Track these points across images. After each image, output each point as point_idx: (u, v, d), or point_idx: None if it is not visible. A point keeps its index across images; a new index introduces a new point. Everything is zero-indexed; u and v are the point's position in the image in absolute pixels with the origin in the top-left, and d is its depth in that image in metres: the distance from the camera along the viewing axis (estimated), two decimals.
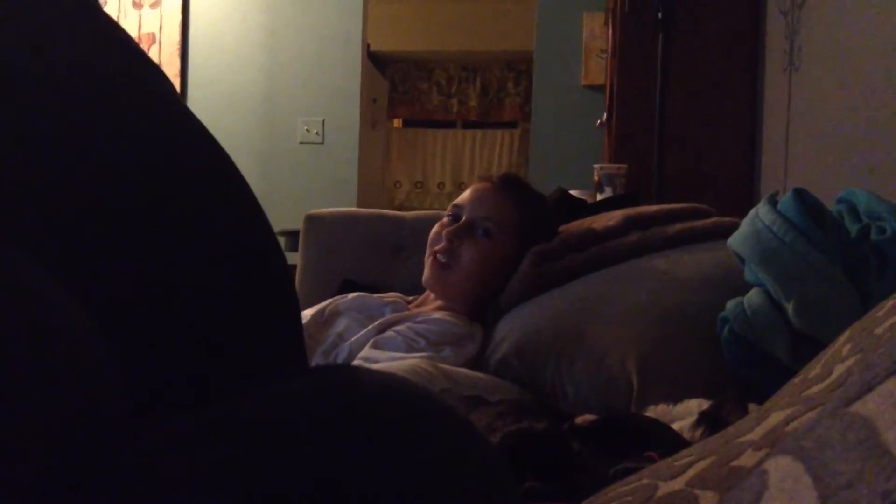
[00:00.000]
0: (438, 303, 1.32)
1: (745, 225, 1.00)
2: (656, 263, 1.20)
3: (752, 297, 0.97)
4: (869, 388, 0.22)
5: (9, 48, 0.39)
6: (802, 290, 0.90)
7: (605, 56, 3.37)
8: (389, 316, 1.23)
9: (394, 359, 1.09)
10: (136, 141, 0.41)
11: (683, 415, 0.81)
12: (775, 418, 0.38)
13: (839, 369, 0.39)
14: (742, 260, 1.02)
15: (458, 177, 6.54)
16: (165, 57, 3.84)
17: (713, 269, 1.14)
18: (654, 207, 1.40)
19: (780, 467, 0.22)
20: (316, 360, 1.19)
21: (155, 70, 0.45)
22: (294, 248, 1.82)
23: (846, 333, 0.44)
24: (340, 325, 1.24)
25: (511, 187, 1.34)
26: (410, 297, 1.39)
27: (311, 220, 1.74)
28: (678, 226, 1.29)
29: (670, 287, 1.12)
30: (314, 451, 0.34)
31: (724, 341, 0.99)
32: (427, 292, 1.36)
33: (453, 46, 6.11)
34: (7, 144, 0.38)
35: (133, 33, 3.80)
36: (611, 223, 1.31)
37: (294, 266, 1.71)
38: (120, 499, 0.32)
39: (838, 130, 1.64)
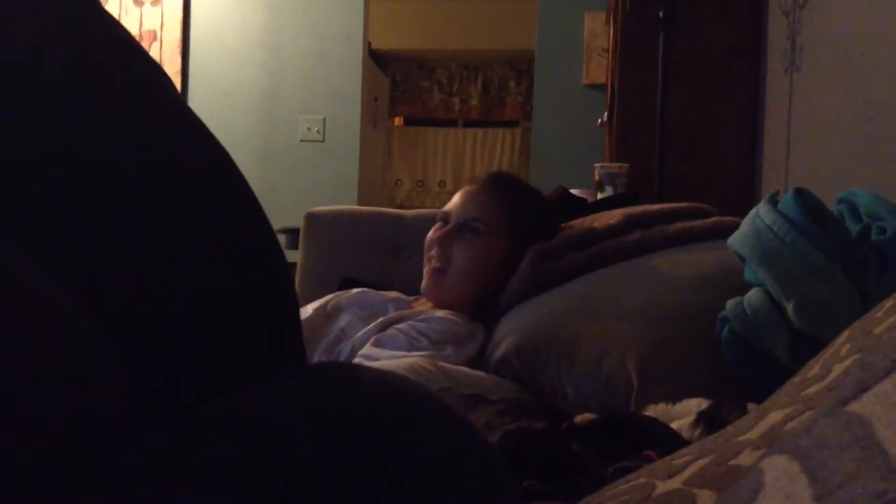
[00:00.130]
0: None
1: (746, 224, 1.00)
2: (656, 263, 1.20)
3: (752, 296, 0.97)
4: (866, 388, 0.22)
5: (9, 46, 0.39)
6: (802, 290, 0.90)
7: (606, 55, 3.36)
8: (392, 314, 1.23)
9: (395, 357, 1.09)
10: (136, 139, 0.41)
11: (682, 414, 0.81)
12: (774, 418, 0.38)
13: (838, 369, 0.39)
14: (742, 259, 1.02)
15: (460, 175, 6.54)
16: (166, 54, 3.84)
17: (713, 268, 1.14)
18: (655, 206, 1.40)
19: (777, 466, 0.22)
20: (318, 354, 1.19)
21: (155, 68, 0.45)
22: (294, 247, 1.82)
23: (845, 333, 0.44)
24: (343, 320, 1.24)
25: (498, 186, 1.33)
26: (412, 297, 1.39)
27: (312, 219, 1.74)
28: (679, 225, 1.29)
29: (670, 286, 1.12)
30: (314, 450, 0.34)
31: (723, 341, 0.99)
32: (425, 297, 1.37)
33: (455, 45, 6.11)
34: (7, 143, 0.38)
35: (134, 31, 3.80)
36: (612, 222, 1.31)
37: (294, 264, 1.71)
38: (120, 499, 0.32)
39: (839, 130, 1.64)
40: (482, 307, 1.30)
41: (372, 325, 1.20)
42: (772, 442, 0.35)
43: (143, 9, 3.88)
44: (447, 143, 6.60)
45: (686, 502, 0.34)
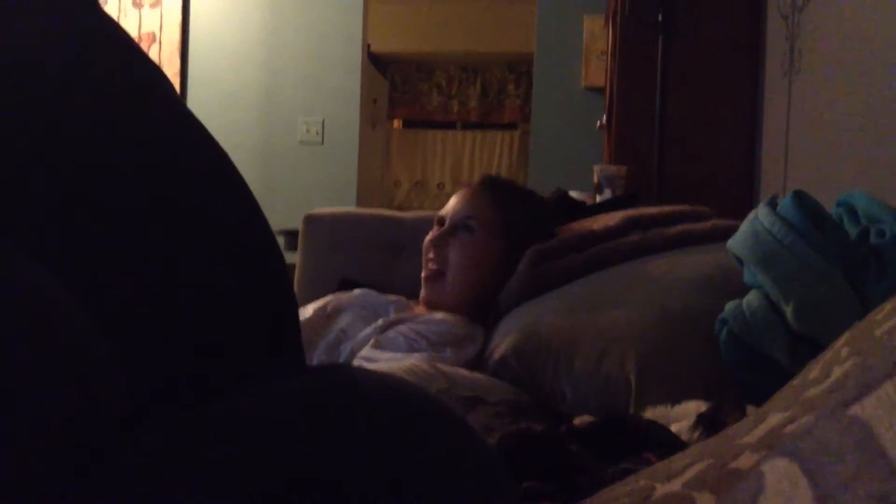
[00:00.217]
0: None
1: (745, 227, 1.00)
2: (656, 265, 1.20)
3: (751, 298, 0.97)
4: (866, 391, 0.22)
5: (8, 47, 0.39)
6: (801, 293, 0.90)
7: (605, 58, 3.37)
8: (392, 316, 1.23)
9: (394, 359, 1.10)
10: (135, 140, 0.41)
11: (681, 416, 0.81)
12: (774, 420, 0.38)
13: (837, 371, 0.39)
14: (741, 262, 1.02)
15: (458, 177, 6.54)
16: (165, 56, 3.84)
17: (712, 270, 1.14)
18: (654, 209, 1.40)
19: (777, 469, 0.22)
20: (318, 354, 1.20)
21: (154, 69, 0.45)
22: (293, 248, 1.81)
23: (845, 336, 0.44)
24: (344, 320, 1.24)
25: (492, 187, 1.36)
26: (411, 300, 1.39)
27: (311, 220, 1.74)
28: (678, 227, 1.29)
29: (669, 288, 1.12)
30: (314, 450, 0.34)
31: (722, 343, 0.99)
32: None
33: (454, 47, 6.11)
34: (7, 143, 0.38)
35: (133, 32, 3.80)
36: (610, 224, 1.31)
37: (293, 266, 1.71)
38: (120, 498, 0.32)
39: (838, 134, 1.64)
40: (481, 309, 1.30)
41: (372, 326, 1.20)
42: (771, 445, 0.35)
43: (142, 11, 3.88)
44: (446, 145, 6.61)
45: None
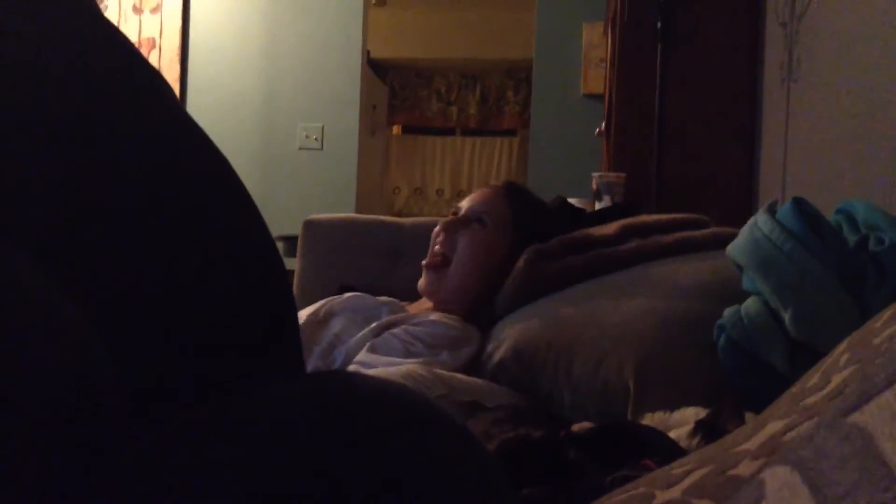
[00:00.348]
0: (431, 305, 1.33)
1: (744, 233, 1.00)
2: (654, 271, 1.20)
3: (750, 305, 0.97)
4: (867, 399, 0.22)
5: (9, 50, 0.40)
6: (800, 299, 0.90)
7: (603, 65, 3.38)
8: (385, 318, 1.23)
9: (391, 363, 1.09)
10: (135, 142, 0.41)
11: (680, 423, 0.81)
12: (773, 427, 0.38)
13: (837, 379, 0.39)
14: (740, 268, 1.02)
15: (457, 184, 6.55)
16: (165, 62, 3.85)
17: (711, 276, 1.14)
18: (653, 217, 1.40)
19: (778, 477, 0.22)
20: (313, 360, 1.19)
21: (154, 74, 0.45)
22: (292, 254, 1.81)
23: (844, 343, 0.44)
24: (337, 325, 1.24)
25: (510, 189, 1.42)
26: (404, 302, 1.39)
27: (310, 226, 1.74)
28: (677, 234, 1.29)
29: (668, 294, 1.12)
30: (314, 452, 0.34)
31: (720, 349, 0.99)
32: (421, 300, 1.37)
33: (453, 54, 6.13)
34: (7, 144, 0.38)
35: (133, 38, 3.81)
36: (609, 231, 1.32)
37: (292, 271, 1.71)
38: (120, 498, 0.32)
39: (837, 142, 1.64)
40: (477, 307, 1.30)
41: (366, 330, 1.20)
42: (771, 452, 0.35)
43: (141, 16, 3.89)
44: (445, 151, 6.61)
45: None
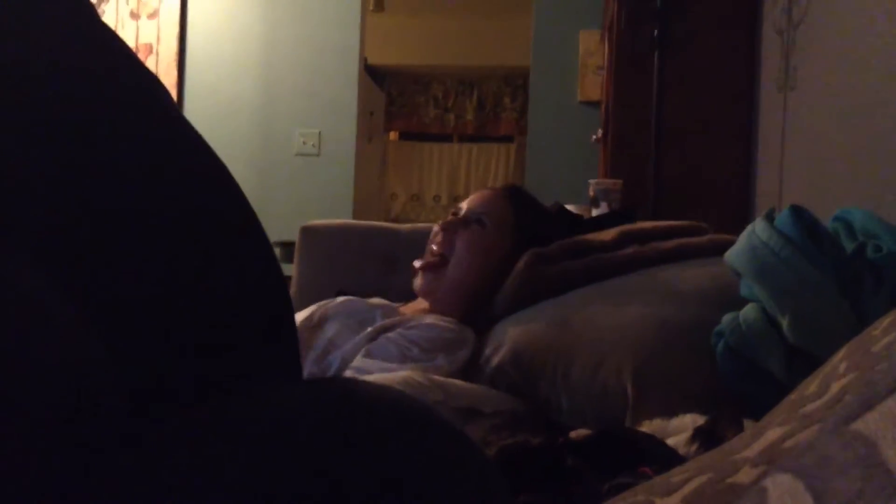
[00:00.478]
0: (427, 306, 1.32)
1: (742, 240, 1.00)
2: (653, 277, 1.21)
3: (748, 311, 0.97)
4: (869, 407, 0.22)
5: (5, 52, 0.39)
6: (797, 306, 0.91)
7: (601, 72, 3.38)
8: (380, 322, 1.22)
9: (387, 368, 1.09)
10: (132, 145, 0.41)
11: (679, 430, 0.81)
12: (772, 435, 0.38)
13: (836, 386, 0.39)
14: (738, 275, 1.02)
15: (454, 190, 6.55)
16: (163, 67, 3.85)
17: (709, 283, 1.14)
18: (651, 224, 1.41)
19: (780, 485, 0.22)
20: (308, 367, 1.18)
21: (151, 79, 0.45)
22: (289, 260, 1.81)
23: (843, 351, 0.44)
24: (331, 330, 1.23)
25: (512, 192, 1.41)
26: (397, 304, 1.39)
27: (307, 232, 1.74)
28: (675, 241, 1.29)
29: (667, 300, 1.13)
30: (314, 452, 0.34)
31: (718, 355, 0.99)
32: (416, 301, 1.37)
33: (450, 61, 6.14)
34: (5, 145, 0.38)
35: (130, 44, 3.81)
36: (608, 237, 1.32)
37: (289, 278, 1.70)
38: (120, 498, 0.32)
39: (833, 149, 1.65)
40: (472, 310, 1.30)
41: (361, 334, 1.19)
42: (770, 459, 0.35)
43: (139, 22, 3.89)
44: (442, 157, 6.62)
45: None
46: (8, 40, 0.40)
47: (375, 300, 1.35)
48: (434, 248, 1.35)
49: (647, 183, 2.27)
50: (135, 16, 3.89)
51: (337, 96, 3.84)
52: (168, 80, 3.81)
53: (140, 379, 0.37)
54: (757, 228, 0.97)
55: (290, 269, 1.72)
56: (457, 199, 6.35)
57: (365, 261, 1.67)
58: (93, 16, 0.45)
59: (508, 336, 1.18)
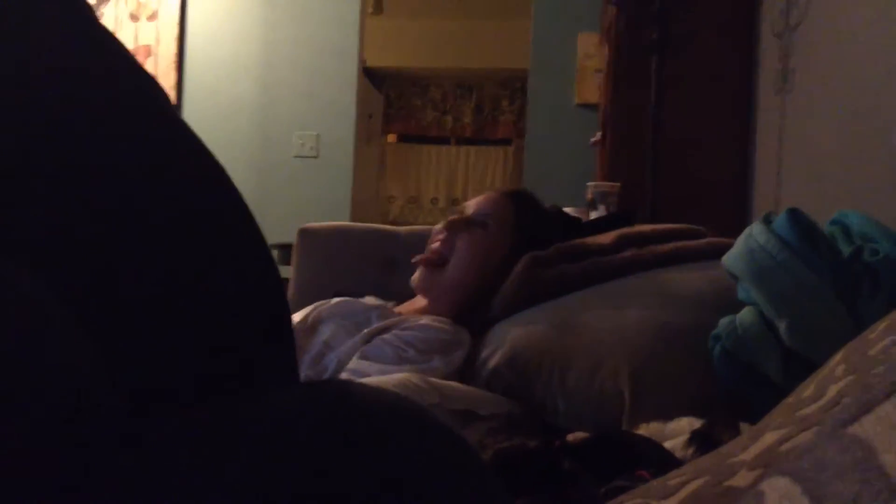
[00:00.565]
0: (424, 304, 1.32)
1: (739, 244, 1.00)
2: (650, 280, 1.21)
3: (745, 315, 0.97)
4: (866, 410, 0.22)
5: (5, 56, 0.40)
6: (794, 310, 0.91)
7: (599, 75, 3.39)
8: (376, 325, 1.21)
9: (383, 371, 1.09)
10: (130, 149, 0.41)
11: (675, 433, 0.81)
12: (769, 438, 0.38)
13: (832, 390, 0.39)
14: (735, 278, 1.02)
15: (452, 192, 6.56)
16: (162, 69, 3.85)
17: (707, 286, 1.14)
18: (649, 227, 1.41)
19: (778, 488, 0.22)
20: (303, 368, 1.18)
21: (150, 81, 0.45)
22: (287, 262, 1.81)
23: (839, 354, 0.44)
24: (326, 332, 1.22)
25: (516, 196, 1.40)
26: (391, 303, 1.39)
27: (305, 234, 1.74)
28: (672, 244, 1.29)
29: (664, 303, 1.13)
30: (314, 452, 0.34)
31: (715, 359, 1.00)
32: (413, 299, 1.37)
33: (449, 63, 6.14)
34: (3, 148, 0.38)
35: (130, 45, 3.81)
36: (605, 241, 1.32)
37: (287, 280, 1.70)
38: (120, 499, 0.32)
39: (831, 152, 1.65)
40: (470, 310, 1.30)
41: (357, 336, 1.19)
42: (767, 463, 0.35)
43: (138, 24, 3.89)
44: (440, 160, 6.62)
45: None
46: (5, 42, 0.40)
47: (370, 299, 1.35)
48: (435, 246, 1.34)
49: (645, 186, 2.27)
50: (134, 17, 3.89)
51: (335, 98, 3.85)
52: (167, 81, 3.81)
53: (139, 379, 0.37)
54: (754, 232, 0.97)
55: (287, 272, 1.72)
56: (455, 202, 6.36)
57: (363, 263, 1.67)
58: (90, 18, 0.45)
59: (505, 338, 1.18)
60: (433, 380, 1.03)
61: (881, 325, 0.42)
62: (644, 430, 0.85)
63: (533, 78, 3.79)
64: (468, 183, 6.53)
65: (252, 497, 0.32)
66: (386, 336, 1.17)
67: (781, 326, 0.92)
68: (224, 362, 0.41)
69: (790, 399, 0.45)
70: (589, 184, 2.04)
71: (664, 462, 0.67)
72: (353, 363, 1.13)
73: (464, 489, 0.38)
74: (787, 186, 1.97)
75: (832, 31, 1.68)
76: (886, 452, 0.20)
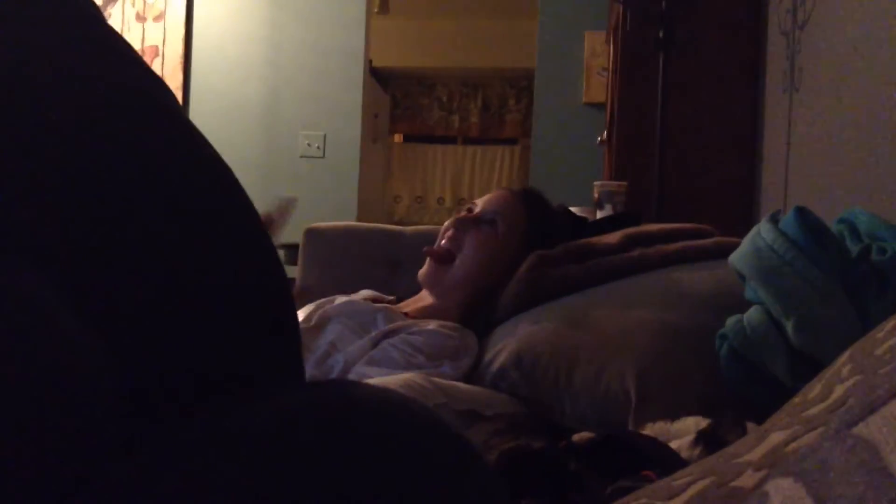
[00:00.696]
0: (430, 301, 1.32)
1: (746, 243, 1.00)
2: (657, 280, 1.20)
3: (752, 314, 0.97)
4: (871, 410, 0.22)
5: (9, 56, 0.40)
6: (802, 309, 0.90)
7: (605, 74, 3.38)
8: (383, 328, 1.21)
9: (390, 375, 1.08)
10: (137, 145, 0.41)
11: (681, 433, 0.80)
12: (775, 438, 0.37)
13: (839, 390, 0.39)
14: (742, 277, 1.02)
15: (458, 192, 6.56)
16: (168, 70, 3.86)
17: (714, 286, 1.14)
18: (656, 227, 1.40)
19: (782, 489, 0.21)
20: (308, 369, 1.17)
21: (157, 81, 0.46)
22: (293, 262, 1.81)
23: (846, 354, 0.44)
24: (332, 332, 1.21)
25: (529, 196, 1.40)
26: (389, 297, 1.39)
27: (311, 234, 1.74)
28: (679, 244, 1.29)
29: (671, 303, 1.12)
30: (316, 457, 0.34)
31: (722, 358, 0.99)
32: (418, 294, 1.36)
33: (455, 63, 6.15)
34: (5, 148, 0.38)
35: (136, 46, 3.81)
36: (612, 241, 1.32)
37: (293, 279, 1.71)
38: (120, 501, 0.32)
39: (838, 150, 1.64)
40: (475, 308, 1.30)
41: (364, 339, 1.18)
42: (773, 463, 0.35)
43: (145, 24, 3.90)
44: (446, 160, 6.62)
45: None
46: (12, 43, 0.40)
47: (366, 292, 1.36)
48: (444, 242, 1.34)
49: (652, 185, 2.26)
50: (141, 18, 3.90)
51: (342, 98, 3.85)
52: (174, 82, 3.82)
53: (141, 381, 0.37)
54: (762, 230, 0.97)
55: (293, 272, 1.72)
56: (461, 202, 6.36)
57: (369, 263, 1.68)
58: (97, 18, 0.45)
59: (510, 339, 1.17)
60: (438, 380, 1.03)
61: (888, 325, 0.42)
62: (650, 430, 0.85)
63: (539, 77, 3.79)
64: (474, 182, 6.52)
65: (253, 500, 0.31)
66: (393, 340, 1.17)
67: (789, 326, 0.91)
68: (227, 364, 0.41)
69: (797, 399, 0.45)
70: (595, 183, 2.04)
71: (670, 462, 0.67)
72: (361, 368, 1.13)
73: (468, 490, 0.37)
74: (794, 185, 1.96)
75: (840, 28, 1.68)
76: (892, 453, 0.20)
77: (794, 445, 0.36)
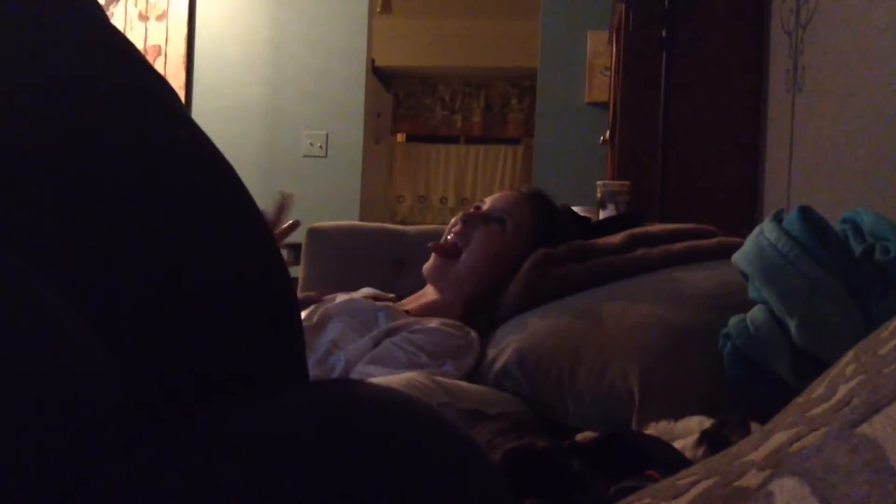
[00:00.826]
0: (433, 296, 1.32)
1: (750, 242, 0.99)
2: (660, 279, 1.20)
3: (755, 313, 0.97)
4: (876, 410, 0.22)
5: (11, 56, 0.40)
6: (805, 308, 0.90)
7: (608, 73, 3.38)
8: (384, 326, 1.21)
9: (393, 374, 1.08)
10: (140, 146, 0.41)
11: (685, 433, 0.80)
12: (779, 438, 0.37)
13: (843, 389, 0.39)
14: (746, 277, 1.02)
15: (461, 192, 6.56)
16: (171, 69, 3.86)
17: (717, 285, 1.14)
18: (659, 227, 1.40)
19: (787, 489, 0.21)
20: (310, 367, 1.17)
21: (160, 80, 0.46)
22: (296, 262, 1.82)
23: (850, 353, 0.44)
24: (333, 331, 1.21)
25: (536, 197, 1.41)
26: (389, 295, 1.39)
27: (314, 234, 1.74)
28: (683, 244, 1.29)
29: (674, 302, 1.12)
30: (319, 458, 0.34)
31: (726, 357, 0.99)
32: (421, 291, 1.37)
33: (458, 62, 6.15)
34: (9, 151, 0.38)
35: (139, 46, 3.82)
36: (615, 240, 1.32)
37: (296, 279, 1.71)
38: (121, 502, 0.32)
39: (842, 150, 1.64)
40: (477, 306, 1.30)
41: (366, 338, 1.18)
42: (777, 463, 0.35)
43: (147, 24, 3.91)
44: (449, 159, 6.63)
45: None
46: (14, 42, 0.40)
47: (367, 290, 1.36)
48: (450, 237, 1.35)
49: (655, 185, 2.26)
50: (143, 18, 3.91)
51: (344, 98, 3.85)
52: (176, 82, 3.83)
53: (141, 380, 0.37)
54: (765, 230, 0.97)
55: (296, 271, 1.72)
56: (464, 201, 6.36)
57: (371, 262, 1.68)
58: (100, 17, 0.45)
59: (514, 338, 1.17)
60: (441, 379, 1.03)
61: (893, 324, 0.42)
62: (653, 429, 0.85)
63: (542, 76, 3.79)
64: (477, 182, 6.52)
65: (256, 500, 0.31)
66: (395, 339, 1.17)
67: (792, 325, 0.91)
68: (230, 362, 0.41)
69: (801, 398, 0.45)
70: (598, 182, 2.04)
71: (674, 462, 0.67)
72: (363, 367, 1.13)
73: (472, 490, 0.37)
74: (797, 184, 1.96)
75: (843, 27, 1.67)
76: None
77: (798, 445, 0.35)
